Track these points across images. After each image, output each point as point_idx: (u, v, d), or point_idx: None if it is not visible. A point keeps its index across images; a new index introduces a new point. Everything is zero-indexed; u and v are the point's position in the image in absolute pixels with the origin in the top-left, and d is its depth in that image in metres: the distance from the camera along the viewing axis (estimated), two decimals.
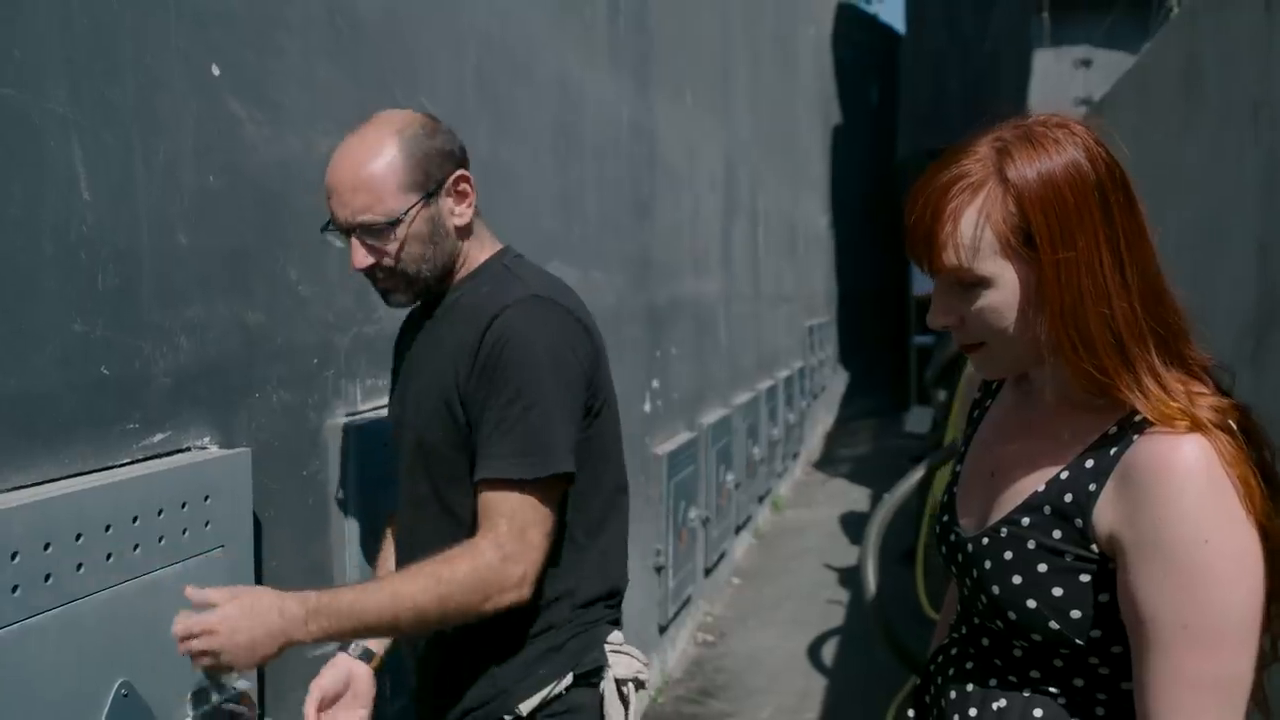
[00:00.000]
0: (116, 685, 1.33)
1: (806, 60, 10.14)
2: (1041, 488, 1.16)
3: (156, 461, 1.48)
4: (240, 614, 1.27)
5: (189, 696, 1.45)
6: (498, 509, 1.40)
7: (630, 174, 4.11)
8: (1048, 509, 1.14)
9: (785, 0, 8.85)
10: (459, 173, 1.54)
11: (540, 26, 3.19)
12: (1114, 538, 1.09)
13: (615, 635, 1.58)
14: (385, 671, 1.62)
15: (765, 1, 7.78)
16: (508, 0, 2.91)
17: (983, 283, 1.11)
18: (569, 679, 1.51)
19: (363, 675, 1.54)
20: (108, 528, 1.32)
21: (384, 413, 1.80)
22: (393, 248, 1.48)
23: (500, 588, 1.38)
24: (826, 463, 9.62)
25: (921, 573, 4.72)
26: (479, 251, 1.59)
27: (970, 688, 1.24)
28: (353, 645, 1.54)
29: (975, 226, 1.09)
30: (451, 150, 1.54)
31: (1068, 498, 1.13)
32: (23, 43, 1.30)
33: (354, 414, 2.02)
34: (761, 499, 6.98)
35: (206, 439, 1.61)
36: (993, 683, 1.22)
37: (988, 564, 1.18)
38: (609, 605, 1.59)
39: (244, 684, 1.51)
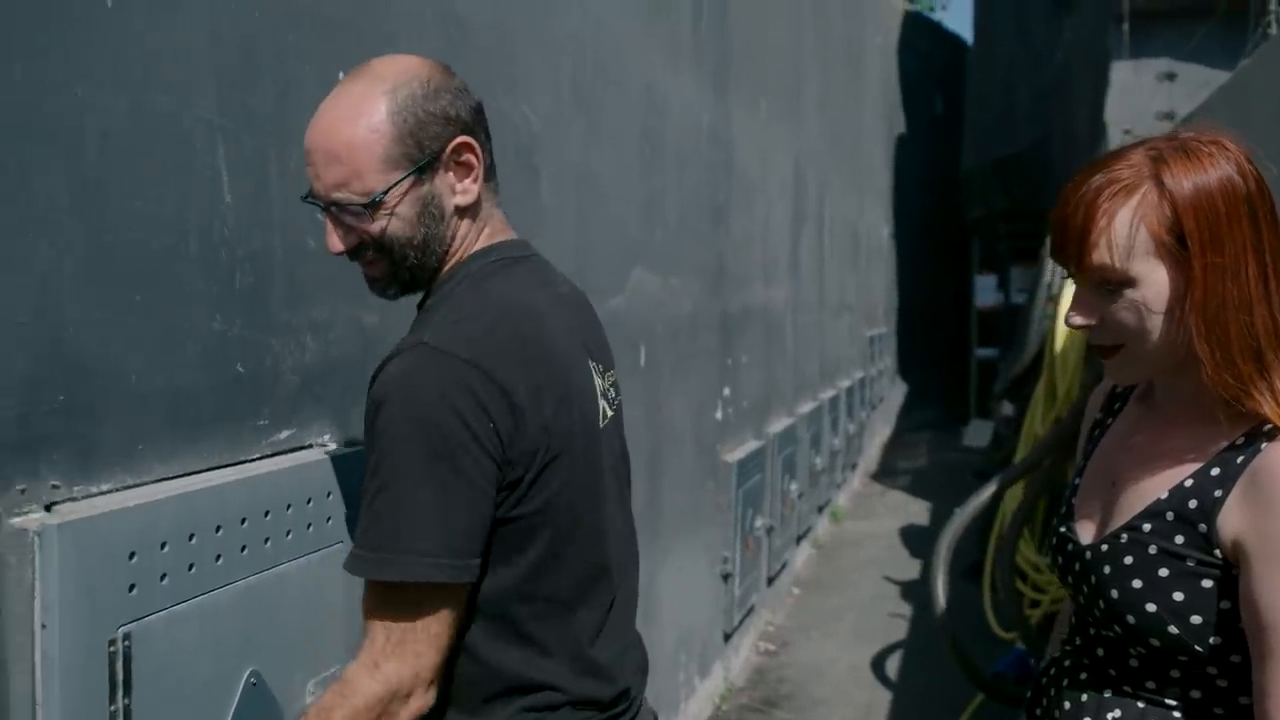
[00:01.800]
0: (247, 674, 1.36)
1: (872, 68, 10.09)
2: (1164, 494, 1.17)
3: (284, 457, 1.52)
4: None
5: (310, 686, 1.49)
6: (370, 612, 1.18)
7: (708, 181, 4.12)
8: (1170, 515, 1.16)
9: (853, 8, 8.82)
10: (460, 139, 1.26)
11: (630, 33, 3.22)
12: (1238, 543, 1.10)
13: None
14: None
15: (835, 9, 7.76)
16: (601, 7, 2.94)
17: (1128, 283, 1.14)
18: None
19: None
20: (243, 520, 1.37)
21: None
22: (375, 229, 1.25)
23: (389, 711, 1.15)
24: (884, 474, 9.55)
25: (989, 589, 4.68)
26: (475, 238, 1.32)
27: (1084, 697, 1.24)
28: None
29: (1130, 226, 1.12)
30: (456, 114, 1.26)
31: (1192, 503, 1.14)
32: (177, 53, 1.35)
33: None
34: (821, 509, 6.95)
35: (327, 436, 1.66)
36: (1107, 693, 1.22)
37: (1106, 569, 1.19)
38: (584, 709, 1.30)
39: None
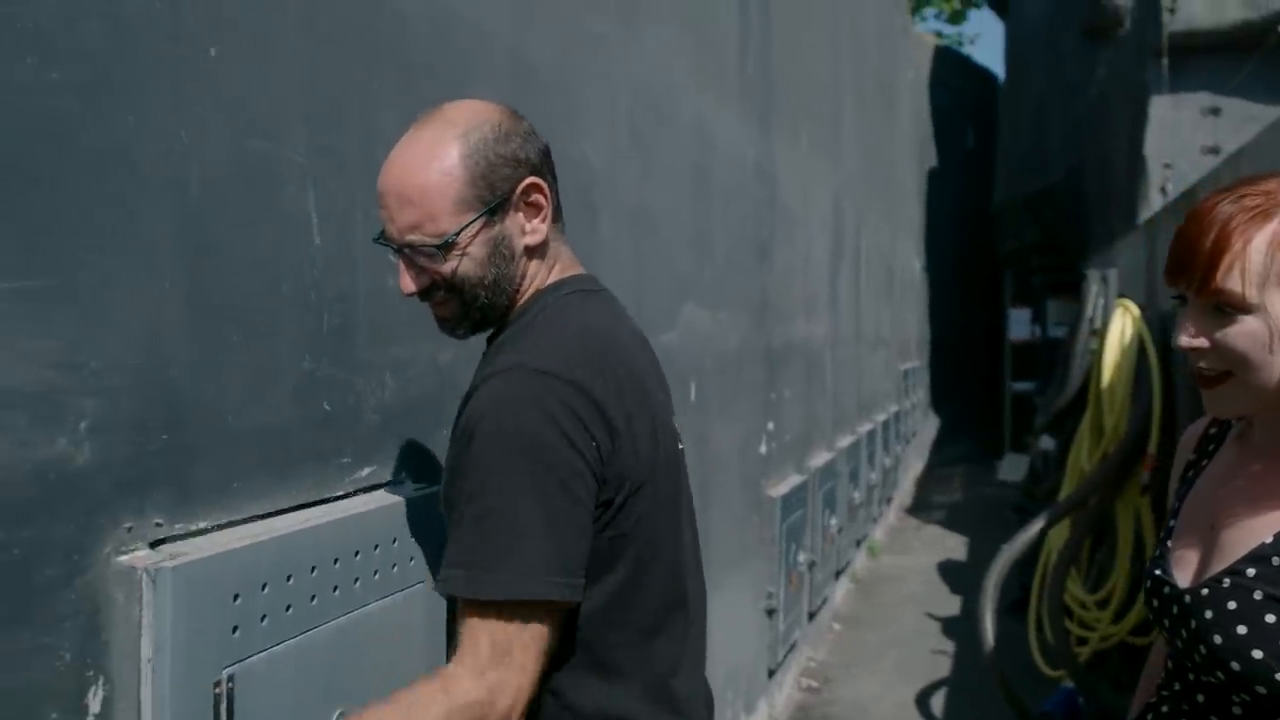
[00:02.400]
0: (336, 714, 1.36)
1: (904, 103, 10.13)
2: (1269, 538, 1.16)
3: (369, 496, 1.53)
4: None
5: None
6: (474, 627, 1.16)
7: (753, 216, 4.14)
8: (1276, 559, 1.14)
9: (887, 43, 8.87)
10: (529, 180, 1.29)
11: (682, 73, 3.25)
12: None
13: None
14: None
15: (870, 45, 7.80)
16: (655, 49, 2.98)
17: (1249, 309, 1.14)
18: None
19: None
20: (335, 561, 1.37)
21: None
22: (446, 269, 1.27)
23: (484, 718, 1.14)
24: (919, 508, 9.46)
25: (1034, 627, 4.61)
26: (546, 275, 1.35)
27: None
28: None
29: (1265, 253, 1.12)
30: (525, 156, 1.29)
31: None
32: (273, 99, 1.38)
33: None
34: (858, 543, 6.89)
35: (404, 474, 1.67)
36: None
37: (1208, 614, 1.17)
38: None
39: None
